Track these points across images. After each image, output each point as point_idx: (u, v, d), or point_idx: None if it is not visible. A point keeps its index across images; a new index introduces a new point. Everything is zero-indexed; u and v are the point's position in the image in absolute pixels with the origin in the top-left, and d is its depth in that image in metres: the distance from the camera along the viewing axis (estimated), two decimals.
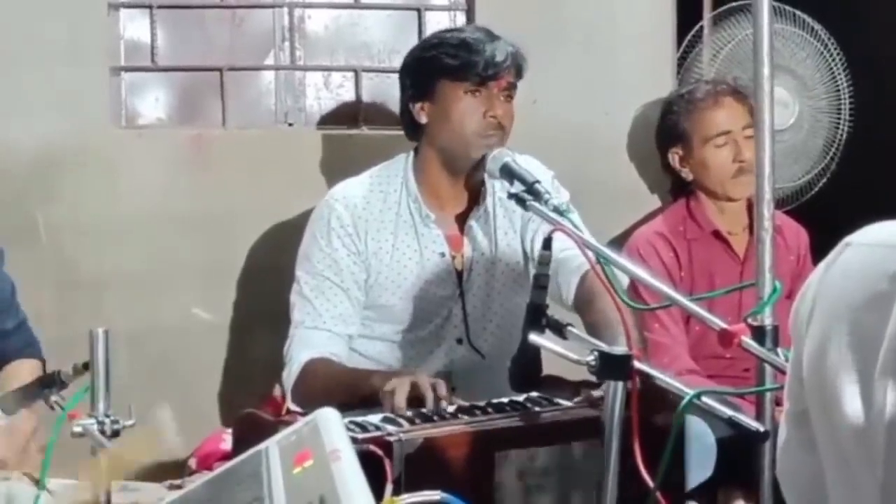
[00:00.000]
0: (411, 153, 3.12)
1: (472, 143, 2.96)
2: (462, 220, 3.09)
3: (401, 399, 2.50)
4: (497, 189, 3.07)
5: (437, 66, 3.00)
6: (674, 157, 3.70)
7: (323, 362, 2.93)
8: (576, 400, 2.47)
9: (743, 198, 3.62)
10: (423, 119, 3.04)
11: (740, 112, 3.58)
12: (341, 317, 2.99)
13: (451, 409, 2.43)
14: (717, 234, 3.65)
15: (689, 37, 4.06)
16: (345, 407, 2.70)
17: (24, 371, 2.91)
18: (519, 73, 3.04)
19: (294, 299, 3.04)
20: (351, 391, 2.73)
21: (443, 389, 2.51)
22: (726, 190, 3.63)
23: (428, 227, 3.04)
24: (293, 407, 2.96)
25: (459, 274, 3.07)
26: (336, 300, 2.99)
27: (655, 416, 2.11)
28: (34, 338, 3.05)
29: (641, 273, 2.36)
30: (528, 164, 2.84)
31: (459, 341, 3.06)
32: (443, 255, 3.05)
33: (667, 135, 3.74)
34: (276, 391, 3.30)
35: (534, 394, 2.47)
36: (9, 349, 2.97)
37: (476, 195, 3.09)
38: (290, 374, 2.95)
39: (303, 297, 3.01)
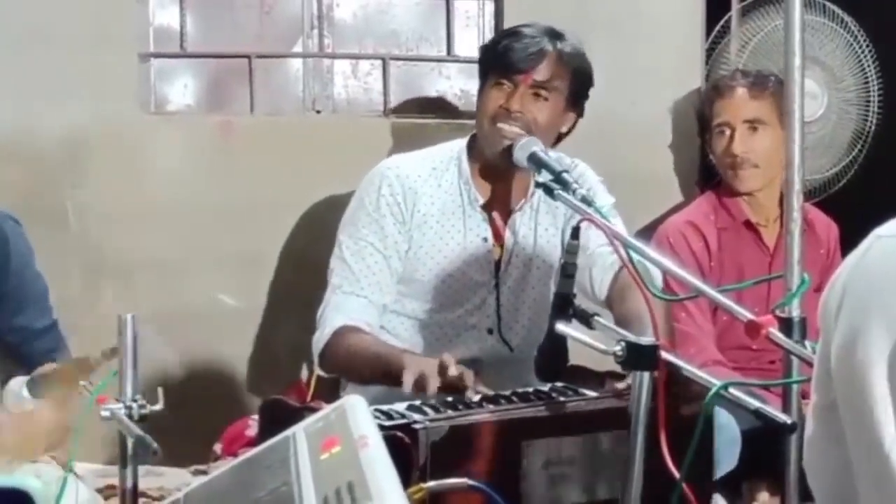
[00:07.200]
0: (469, 138, 3.11)
1: (486, 129, 2.96)
2: (507, 212, 3.08)
3: (407, 383, 2.52)
4: None
5: (482, 61, 3.05)
6: (706, 143, 3.73)
7: (355, 331, 2.91)
8: (601, 389, 2.47)
9: (746, 191, 3.61)
10: None
11: (745, 104, 3.57)
12: (378, 284, 2.98)
13: (476, 397, 2.42)
14: (748, 224, 3.63)
15: (717, 28, 4.05)
16: (368, 380, 2.77)
17: None
18: (558, 74, 2.96)
19: (333, 263, 3.03)
20: (378, 365, 2.74)
21: (453, 370, 2.49)
22: (728, 181, 3.63)
23: (475, 210, 3.04)
24: (320, 372, 2.97)
25: (497, 264, 3.06)
26: (376, 267, 2.98)
27: (681, 406, 2.11)
28: (63, 342, 2.96)
29: (669, 264, 2.35)
30: (578, 169, 2.93)
31: (490, 331, 3.06)
32: (485, 239, 3.05)
33: (699, 121, 3.79)
34: (302, 377, 3.31)
35: (559, 384, 2.47)
36: (37, 351, 2.84)
37: (524, 190, 3.08)
38: (320, 338, 2.94)
39: (343, 261, 3.00)
